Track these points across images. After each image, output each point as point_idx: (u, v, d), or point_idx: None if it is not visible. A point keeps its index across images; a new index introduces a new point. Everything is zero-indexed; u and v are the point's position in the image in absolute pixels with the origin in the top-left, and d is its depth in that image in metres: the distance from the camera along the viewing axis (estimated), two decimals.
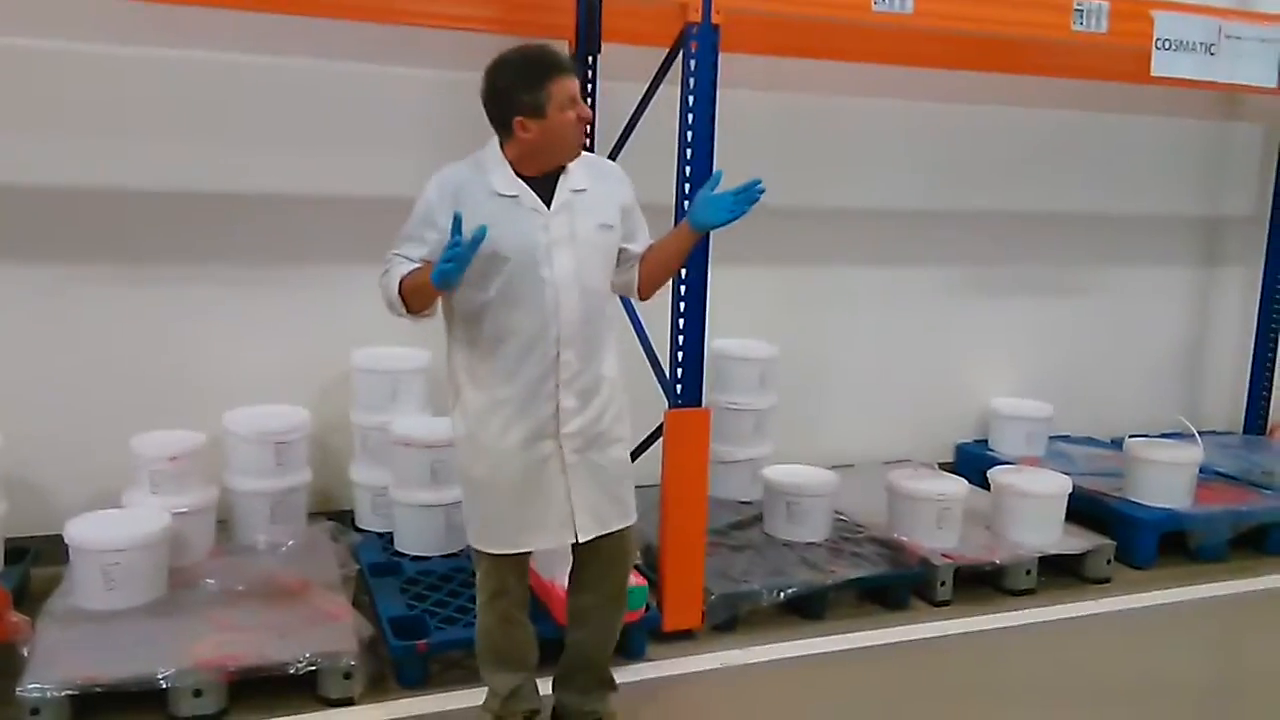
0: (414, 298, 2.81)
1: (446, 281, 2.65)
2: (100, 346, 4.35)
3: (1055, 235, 6.05)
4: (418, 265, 2.83)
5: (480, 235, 2.61)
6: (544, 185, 2.86)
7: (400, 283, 2.81)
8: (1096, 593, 4.57)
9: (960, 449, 5.98)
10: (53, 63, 4.14)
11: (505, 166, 2.86)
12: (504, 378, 2.87)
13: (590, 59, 4.53)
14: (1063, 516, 4.72)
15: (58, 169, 4.21)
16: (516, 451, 2.89)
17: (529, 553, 3.05)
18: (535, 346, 2.84)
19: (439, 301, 2.87)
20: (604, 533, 3.00)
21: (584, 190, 2.90)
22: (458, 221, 2.63)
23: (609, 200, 2.95)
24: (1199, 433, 5.22)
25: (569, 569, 3.17)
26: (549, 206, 2.85)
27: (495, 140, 2.89)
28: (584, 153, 3.01)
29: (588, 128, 2.83)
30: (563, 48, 4.50)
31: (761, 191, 2.87)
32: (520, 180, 2.85)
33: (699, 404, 3.88)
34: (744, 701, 3.61)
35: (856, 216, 5.56)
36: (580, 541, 2.99)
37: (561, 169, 2.89)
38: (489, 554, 2.99)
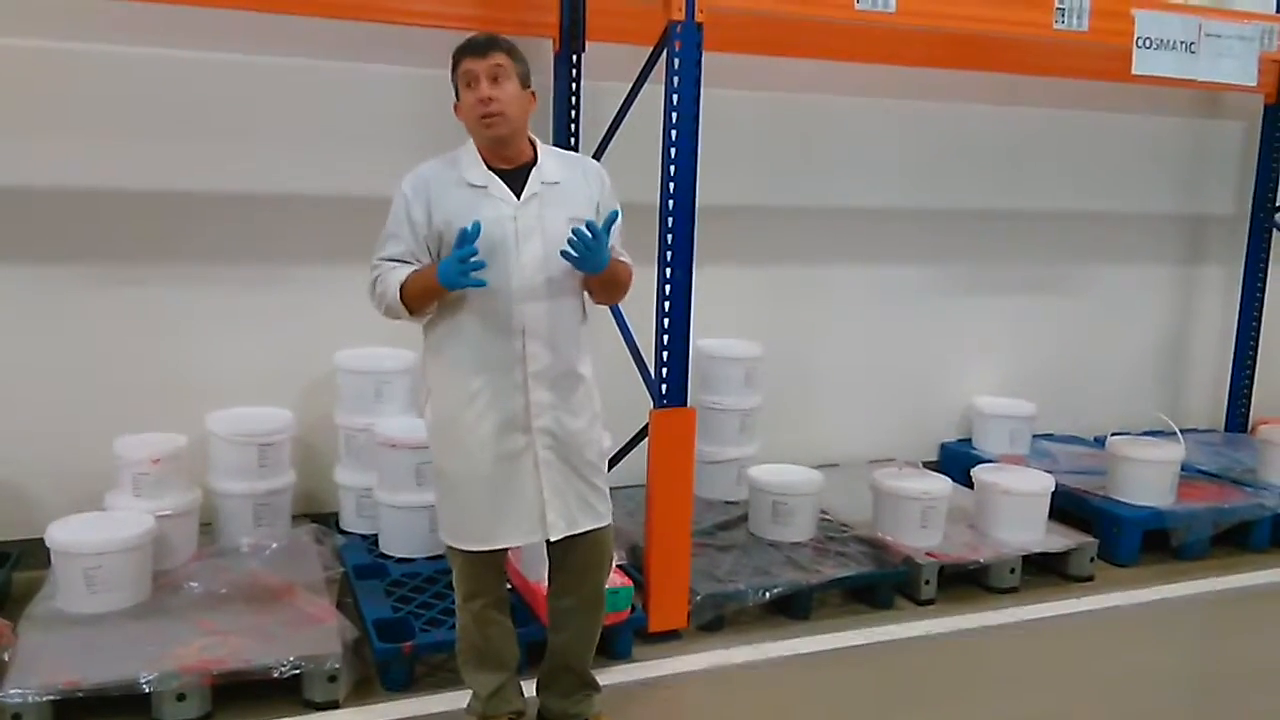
0: (419, 301, 2.85)
1: (462, 285, 2.74)
2: (82, 348, 4.32)
3: (1037, 233, 6.07)
4: (413, 266, 2.86)
5: (475, 231, 2.69)
6: (516, 177, 2.89)
7: (401, 288, 2.83)
8: (1080, 590, 4.59)
9: (944, 448, 6.00)
10: (35, 62, 4.11)
11: (477, 159, 2.90)
12: (472, 368, 2.88)
13: (575, 58, 4.53)
14: (1046, 515, 4.74)
15: (38, 169, 4.18)
16: (489, 444, 2.89)
17: (504, 551, 3.05)
18: (501, 335, 2.86)
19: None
20: (573, 532, 2.99)
21: (557, 183, 2.92)
22: (476, 230, 2.69)
23: (584, 195, 2.95)
24: (1181, 431, 5.25)
25: None
26: (519, 197, 2.87)
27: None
28: (567, 152, 3.05)
29: (487, 104, 2.80)
30: (546, 46, 4.56)
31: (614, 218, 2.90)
32: (492, 172, 2.88)
33: (684, 404, 3.88)
34: (730, 702, 3.61)
35: (840, 215, 5.56)
36: (551, 541, 2.99)
37: (534, 162, 2.90)
38: (462, 552, 2.99)
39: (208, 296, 4.48)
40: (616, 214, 2.90)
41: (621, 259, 3.01)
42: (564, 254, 2.78)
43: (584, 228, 2.76)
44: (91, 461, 4.06)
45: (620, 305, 4.02)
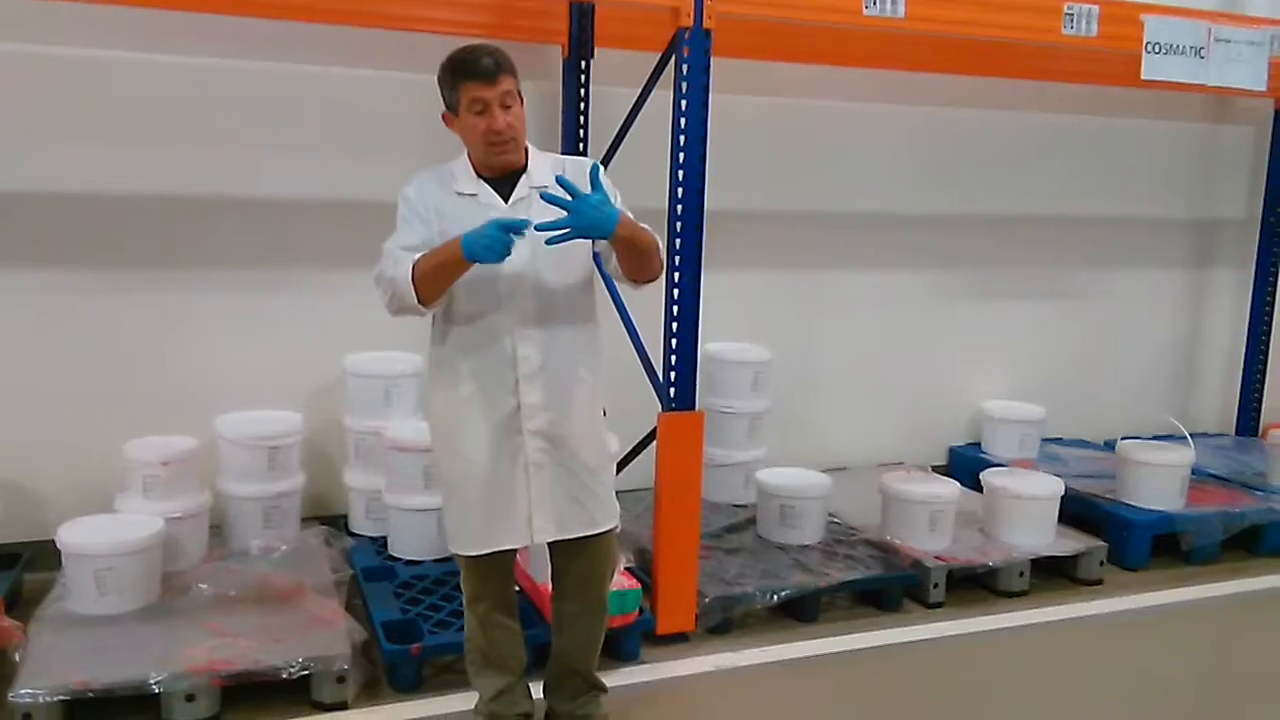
0: (431, 277, 2.74)
1: (489, 249, 2.64)
2: (93, 351, 4.34)
3: (1047, 238, 6.06)
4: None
5: (524, 224, 2.66)
6: (506, 183, 2.90)
7: (414, 268, 2.75)
8: (1089, 594, 4.58)
9: (953, 451, 6.00)
10: (44, 68, 4.14)
11: (468, 168, 2.91)
12: (467, 372, 2.89)
13: (584, 64, 4.55)
14: (1055, 518, 4.73)
15: (48, 174, 4.21)
16: (484, 447, 2.89)
17: (510, 554, 3.04)
18: (492, 340, 2.86)
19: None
20: (564, 537, 2.97)
21: (545, 186, 2.87)
22: (525, 223, 2.66)
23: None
24: (1191, 435, 5.24)
25: None
26: (507, 202, 2.87)
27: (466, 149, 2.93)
28: (560, 156, 3.05)
29: (502, 134, 2.78)
30: (555, 52, 4.58)
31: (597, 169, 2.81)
32: (482, 180, 2.89)
33: (692, 407, 3.89)
34: (738, 704, 3.61)
35: (849, 220, 5.57)
36: (545, 543, 2.97)
37: (525, 167, 2.91)
38: (465, 555, 2.99)
39: (218, 300, 4.50)
40: (598, 165, 2.78)
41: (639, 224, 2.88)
42: (550, 240, 2.69)
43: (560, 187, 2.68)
44: (102, 464, 4.08)
45: (629, 308, 4.05)
